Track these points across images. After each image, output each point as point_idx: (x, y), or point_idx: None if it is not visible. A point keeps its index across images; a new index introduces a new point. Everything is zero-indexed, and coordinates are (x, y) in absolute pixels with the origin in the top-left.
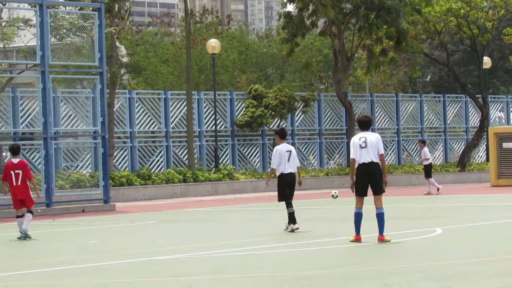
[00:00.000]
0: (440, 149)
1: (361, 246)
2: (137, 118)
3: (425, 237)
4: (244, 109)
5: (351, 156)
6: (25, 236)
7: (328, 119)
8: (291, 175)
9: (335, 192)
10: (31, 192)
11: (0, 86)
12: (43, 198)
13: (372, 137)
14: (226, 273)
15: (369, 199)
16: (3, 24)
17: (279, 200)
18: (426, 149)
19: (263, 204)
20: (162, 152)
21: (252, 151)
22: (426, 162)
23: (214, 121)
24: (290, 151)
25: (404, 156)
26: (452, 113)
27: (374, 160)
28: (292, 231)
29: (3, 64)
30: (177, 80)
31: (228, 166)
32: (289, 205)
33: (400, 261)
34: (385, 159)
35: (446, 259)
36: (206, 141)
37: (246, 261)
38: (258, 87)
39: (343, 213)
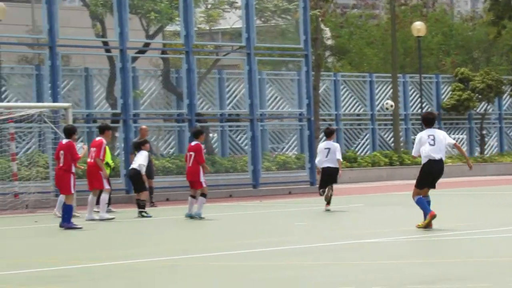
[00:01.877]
0: None
1: None
2: (342, 101)
3: None
4: (450, 92)
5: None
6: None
7: None
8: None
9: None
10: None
11: (206, 68)
12: (250, 179)
13: (440, 134)
14: (431, 257)
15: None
16: (209, 6)
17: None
18: None
19: (469, 189)
20: (368, 135)
21: (459, 134)
22: None
23: (420, 104)
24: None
25: None
26: None
27: (443, 158)
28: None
29: (209, 46)
30: (382, 63)
31: None
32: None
33: None
34: None
35: None
36: (412, 124)
37: (455, 245)
38: (465, 70)
39: None
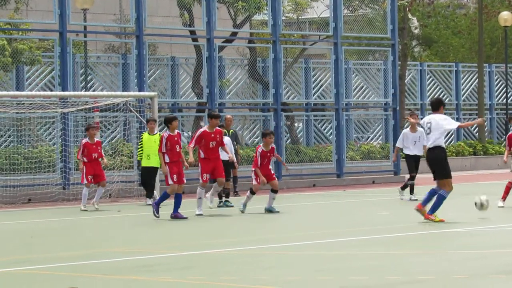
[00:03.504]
0: None
1: None
2: (428, 90)
3: None
4: None
5: None
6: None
7: None
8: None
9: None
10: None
11: (293, 57)
12: (334, 169)
13: (438, 120)
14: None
15: None
16: None
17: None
18: None
19: None
20: None
21: None
22: None
23: (505, 94)
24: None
25: None
26: None
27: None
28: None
29: (296, 35)
30: (468, 53)
31: None
32: None
33: None
34: None
35: None
36: (497, 114)
37: None
38: None
39: None
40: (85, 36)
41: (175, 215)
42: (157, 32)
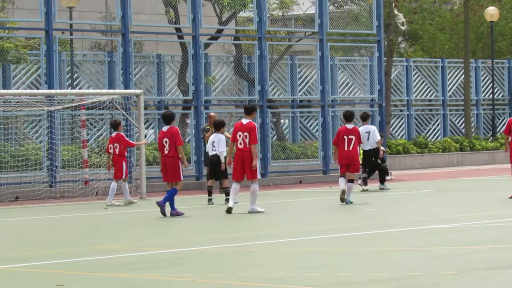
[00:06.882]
0: None
1: None
2: (414, 86)
3: None
4: None
5: None
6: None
7: None
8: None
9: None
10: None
11: (279, 53)
12: (320, 166)
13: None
14: (506, 242)
15: None
16: None
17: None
18: None
19: None
20: (439, 120)
21: None
22: None
23: (491, 90)
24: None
25: None
26: None
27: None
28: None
29: (281, 32)
30: (454, 48)
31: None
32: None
33: None
34: None
35: None
36: (483, 109)
37: None
38: None
39: None
40: (71, 34)
41: None
42: (142, 29)
